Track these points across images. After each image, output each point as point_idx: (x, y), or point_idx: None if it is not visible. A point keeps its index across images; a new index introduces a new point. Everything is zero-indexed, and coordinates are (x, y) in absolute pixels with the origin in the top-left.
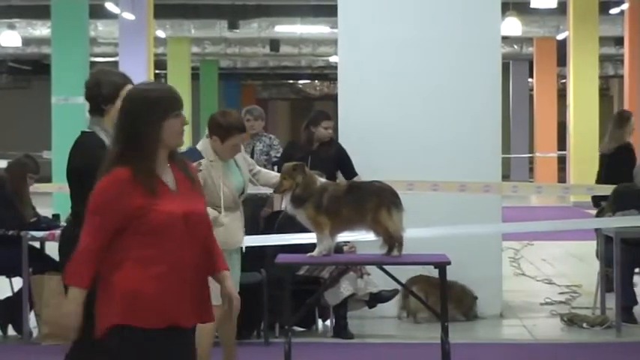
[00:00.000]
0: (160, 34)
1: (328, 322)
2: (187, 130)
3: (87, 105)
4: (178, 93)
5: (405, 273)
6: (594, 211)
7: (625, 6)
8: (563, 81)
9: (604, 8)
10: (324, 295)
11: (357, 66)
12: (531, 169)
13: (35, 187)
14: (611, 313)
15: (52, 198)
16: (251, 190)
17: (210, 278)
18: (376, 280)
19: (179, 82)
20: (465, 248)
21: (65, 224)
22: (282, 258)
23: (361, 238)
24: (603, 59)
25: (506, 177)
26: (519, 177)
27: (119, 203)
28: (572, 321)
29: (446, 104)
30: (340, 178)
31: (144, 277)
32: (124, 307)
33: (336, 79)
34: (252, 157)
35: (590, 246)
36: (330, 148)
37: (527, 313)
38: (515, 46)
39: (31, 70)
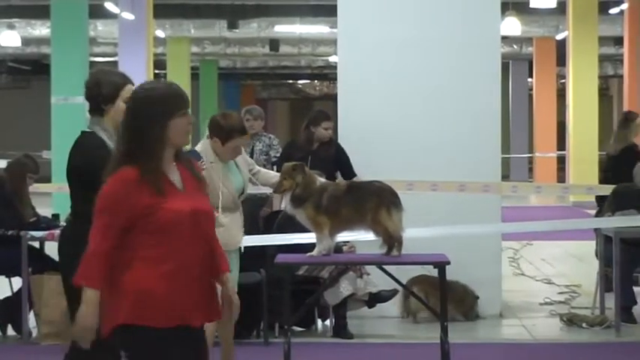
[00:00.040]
0: (160, 33)
1: (328, 322)
2: None
3: (87, 105)
4: (185, 92)
5: (405, 273)
6: (594, 211)
7: (624, 6)
8: (563, 81)
9: (603, 8)
10: (324, 295)
11: (357, 66)
12: (531, 169)
13: (35, 187)
14: (611, 312)
15: (51, 198)
16: (250, 190)
17: None
18: (376, 280)
19: (178, 82)
20: (465, 248)
21: (65, 224)
22: (281, 258)
23: (361, 237)
24: (603, 59)
25: (505, 177)
26: (519, 177)
27: (127, 203)
28: (571, 321)
29: (445, 104)
30: (339, 179)
31: (151, 276)
32: (131, 306)
33: (335, 79)
34: (251, 156)
35: (590, 246)
36: (330, 148)
37: (527, 313)
38: (515, 46)
39: (30, 70)
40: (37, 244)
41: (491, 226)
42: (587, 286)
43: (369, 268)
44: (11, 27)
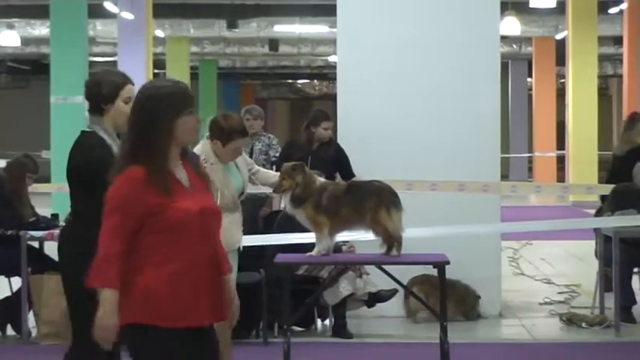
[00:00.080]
0: (159, 33)
1: (327, 322)
2: None
3: (86, 104)
4: (191, 90)
5: (405, 273)
6: (593, 211)
7: (624, 5)
8: (562, 80)
9: (603, 8)
10: (323, 294)
11: (356, 66)
12: (530, 169)
13: (34, 187)
14: (610, 312)
15: (50, 198)
16: (250, 189)
17: None
18: (376, 280)
19: None
20: (464, 248)
21: (64, 224)
22: (281, 258)
23: (360, 237)
24: (602, 59)
25: (505, 177)
26: (518, 176)
27: (136, 202)
28: (571, 320)
29: (445, 104)
30: (338, 179)
31: (160, 276)
32: (140, 305)
33: (335, 79)
34: (250, 156)
35: (589, 245)
36: (330, 149)
37: (527, 313)
38: (514, 46)
39: (30, 69)
40: (36, 244)
41: (491, 225)
42: (587, 285)
43: (368, 267)
44: (11, 27)
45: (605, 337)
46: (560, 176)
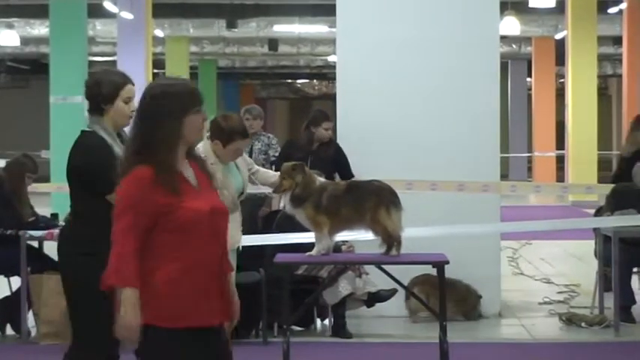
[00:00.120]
0: (159, 33)
1: (327, 322)
2: None
3: (86, 104)
4: (199, 89)
5: (406, 273)
6: (592, 211)
7: (623, 5)
8: (562, 80)
9: (602, 7)
10: (323, 294)
11: (356, 65)
12: (530, 169)
13: (33, 187)
14: (610, 312)
15: (50, 197)
16: (249, 189)
17: None
18: (375, 280)
19: None
20: (464, 248)
21: (64, 224)
22: (280, 257)
23: (360, 237)
24: (602, 58)
25: (504, 176)
26: (518, 176)
27: (147, 201)
28: (570, 320)
29: (444, 104)
30: (337, 179)
31: (172, 276)
32: (150, 306)
33: (334, 79)
34: (250, 156)
35: (589, 245)
36: (329, 149)
37: (526, 313)
38: (514, 46)
39: (29, 69)
40: (36, 244)
41: (491, 225)
42: (586, 285)
43: (368, 267)
44: (10, 26)
45: (604, 336)
46: (560, 176)
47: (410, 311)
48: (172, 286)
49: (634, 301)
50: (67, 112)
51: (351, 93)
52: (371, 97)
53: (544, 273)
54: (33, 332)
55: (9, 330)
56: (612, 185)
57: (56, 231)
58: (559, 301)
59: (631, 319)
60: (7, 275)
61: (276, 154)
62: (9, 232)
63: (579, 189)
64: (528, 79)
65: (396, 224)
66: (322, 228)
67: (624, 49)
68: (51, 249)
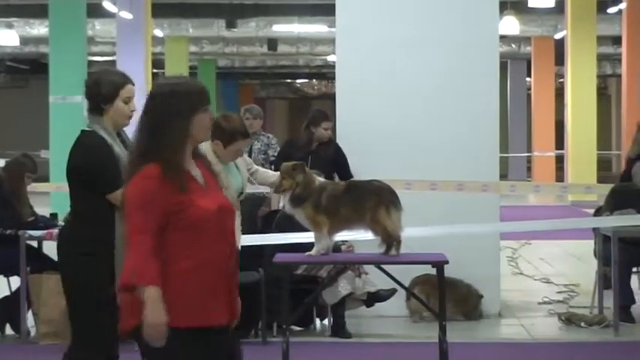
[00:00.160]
0: (158, 33)
1: (326, 322)
2: None
3: (86, 104)
4: (206, 88)
5: (406, 273)
6: (592, 211)
7: (623, 5)
8: (561, 80)
9: (602, 7)
10: (322, 294)
11: (355, 65)
12: (529, 169)
13: (33, 187)
14: (609, 312)
15: (49, 197)
16: (249, 189)
17: None
18: (375, 280)
19: None
20: (463, 247)
21: (63, 223)
22: (280, 257)
23: (359, 237)
24: (601, 58)
25: (504, 176)
26: (517, 176)
27: (159, 199)
28: (570, 320)
29: (444, 103)
30: (337, 179)
31: (181, 275)
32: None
33: (333, 79)
34: (250, 156)
35: (588, 245)
36: (329, 148)
37: (525, 313)
38: (513, 46)
39: (28, 69)
40: (35, 244)
41: (490, 225)
42: (586, 285)
43: (367, 267)
44: (9, 26)
45: (604, 336)
46: (559, 176)
47: (411, 311)
48: (185, 285)
49: (633, 301)
50: (67, 112)
51: (351, 93)
52: (370, 97)
53: (543, 273)
54: (32, 332)
55: (8, 330)
56: (611, 185)
57: (55, 231)
58: (558, 301)
59: (630, 319)
60: (7, 275)
61: (276, 154)
62: (8, 231)
63: (579, 189)
64: (528, 79)
65: (395, 224)
66: (322, 228)
67: (624, 49)
68: (50, 249)
